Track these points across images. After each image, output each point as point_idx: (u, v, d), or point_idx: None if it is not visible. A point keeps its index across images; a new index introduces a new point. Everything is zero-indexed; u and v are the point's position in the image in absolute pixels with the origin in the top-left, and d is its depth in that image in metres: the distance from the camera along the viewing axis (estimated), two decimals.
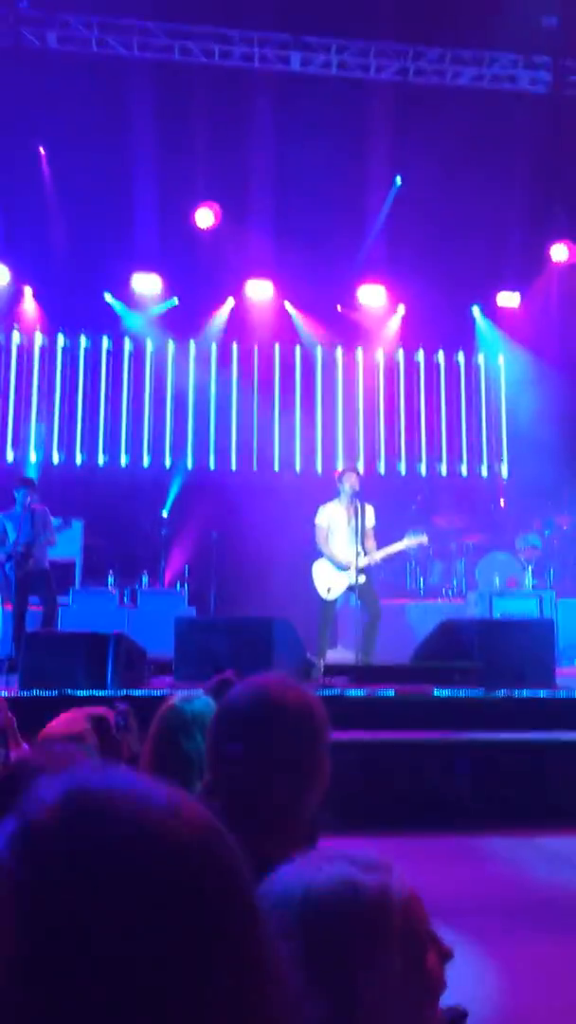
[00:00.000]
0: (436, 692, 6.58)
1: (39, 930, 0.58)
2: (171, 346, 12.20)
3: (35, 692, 5.99)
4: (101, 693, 5.85)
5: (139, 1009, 0.57)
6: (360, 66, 10.87)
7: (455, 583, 10.54)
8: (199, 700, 2.57)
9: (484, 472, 12.64)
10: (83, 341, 12.08)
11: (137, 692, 6.25)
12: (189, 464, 12.02)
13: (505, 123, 10.92)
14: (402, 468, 12.49)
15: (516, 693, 6.52)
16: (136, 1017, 0.57)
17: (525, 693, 6.53)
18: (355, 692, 6.58)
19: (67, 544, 9.53)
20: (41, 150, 11.11)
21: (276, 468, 12.15)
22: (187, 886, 0.62)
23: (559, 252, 12.16)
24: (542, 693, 6.56)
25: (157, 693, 6.01)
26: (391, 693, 6.55)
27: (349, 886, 0.92)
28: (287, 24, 10.41)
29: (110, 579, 10.09)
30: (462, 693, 6.57)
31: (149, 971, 0.58)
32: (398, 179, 11.68)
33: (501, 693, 6.52)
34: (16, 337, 11.91)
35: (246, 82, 10.62)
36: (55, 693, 5.88)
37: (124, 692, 6.11)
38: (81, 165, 10.58)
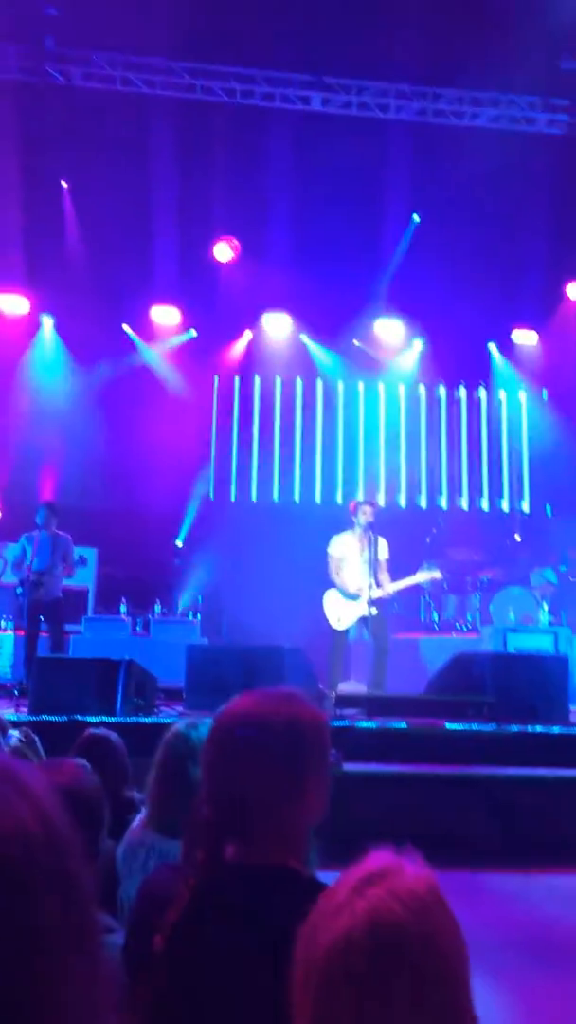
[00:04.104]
0: (448, 725, 6.50)
1: None
2: (189, 377, 12.30)
3: (44, 717, 5.96)
4: (111, 719, 5.82)
5: None
6: (379, 106, 11.03)
7: (469, 618, 10.44)
8: (204, 725, 2.54)
9: (505, 507, 12.61)
10: (102, 371, 12.19)
11: (147, 719, 6.23)
12: (211, 495, 12.08)
13: (523, 163, 11.02)
14: (422, 501, 12.49)
15: (529, 728, 6.44)
16: None
17: (538, 729, 6.45)
18: (366, 724, 6.51)
19: (81, 572, 9.54)
20: (63, 184, 11.32)
21: (297, 500, 12.19)
22: None
23: None
24: (556, 729, 6.47)
25: (166, 720, 5.98)
26: (403, 725, 6.48)
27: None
28: (308, 65, 10.61)
29: (123, 607, 10.08)
30: (474, 727, 6.49)
31: None
32: (415, 216, 11.81)
33: (514, 728, 6.44)
34: (37, 366, 12.03)
35: (266, 120, 10.78)
36: (65, 718, 5.85)
37: (133, 719, 6.08)
38: (102, 199, 10.75)
